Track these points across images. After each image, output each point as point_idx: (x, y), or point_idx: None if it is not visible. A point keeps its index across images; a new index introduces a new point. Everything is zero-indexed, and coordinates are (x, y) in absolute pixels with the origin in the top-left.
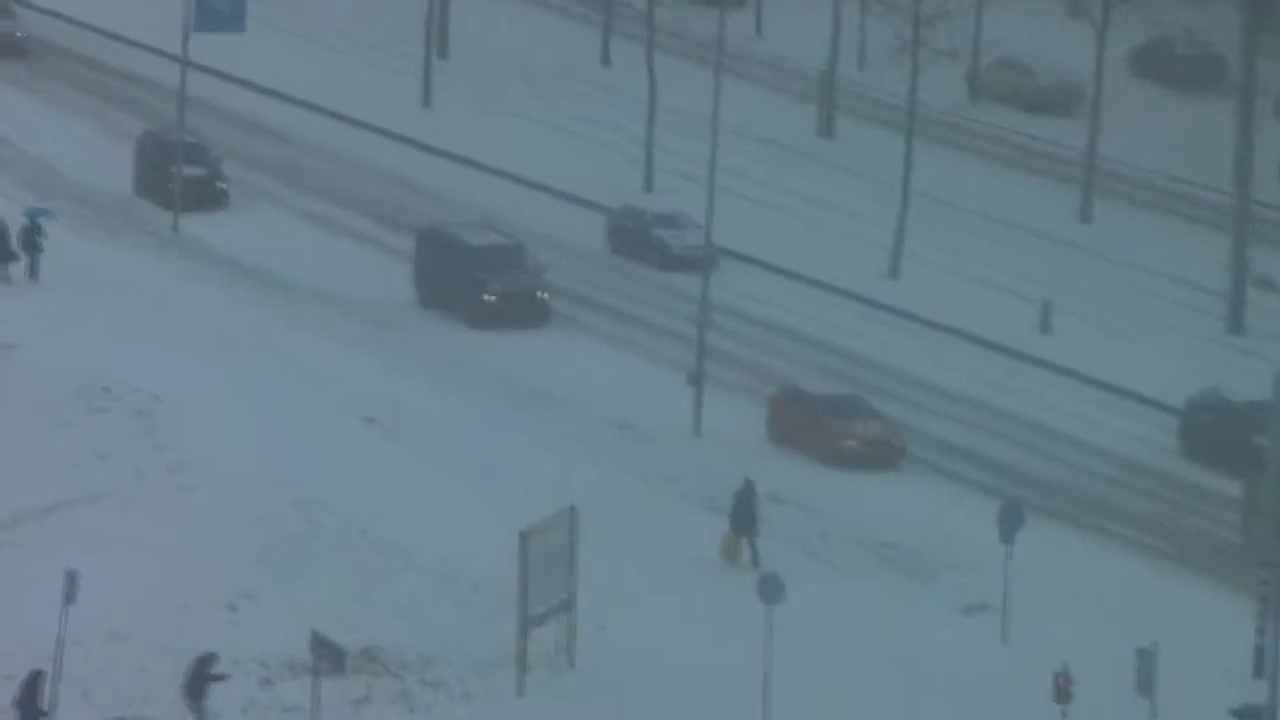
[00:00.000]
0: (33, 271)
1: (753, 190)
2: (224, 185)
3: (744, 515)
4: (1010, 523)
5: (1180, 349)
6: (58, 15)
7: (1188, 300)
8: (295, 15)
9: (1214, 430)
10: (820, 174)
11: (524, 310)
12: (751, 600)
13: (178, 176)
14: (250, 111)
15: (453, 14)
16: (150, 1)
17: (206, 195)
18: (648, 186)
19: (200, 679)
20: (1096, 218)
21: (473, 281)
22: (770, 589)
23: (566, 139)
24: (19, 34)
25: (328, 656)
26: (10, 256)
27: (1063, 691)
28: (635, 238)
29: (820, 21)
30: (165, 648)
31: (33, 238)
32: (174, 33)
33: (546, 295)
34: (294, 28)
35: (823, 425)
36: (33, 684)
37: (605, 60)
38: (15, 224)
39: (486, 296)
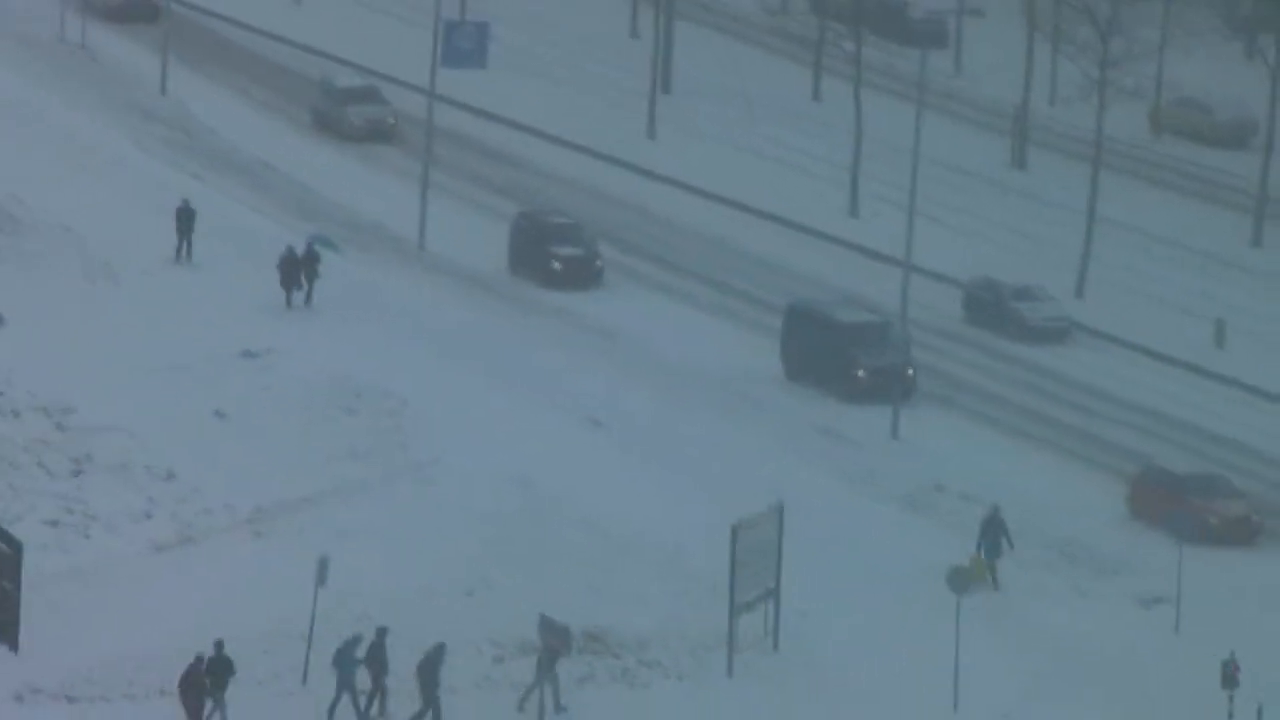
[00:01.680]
0: (308, 297)
1: (949, 216)
2: (600, 264)
3: (992, 540)
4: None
5: None
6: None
7: None
8: (526, 54)
9: None
10: (1013, 202)
11: (892, 385)
12: (946, 595)
13: (549, 255)
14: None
15: (676, 52)
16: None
17: (584, 274)
18: (853, 212)
19: (432, 666)
20: (1267, 243)
21: (844, 357)
22: (957, 580)
23: (781, 167)
24: (390, 120)
25: (555, 638)
26: (296, 284)
27: (1231, 678)
28: (992, 310)
29: (1014, 60)
30: (409, 627)
31: (312, 265)
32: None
33: (913, 371)
34: (526, 65)
35: (1186, 504)
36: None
37: (816, 96)
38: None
39: (858, 372)
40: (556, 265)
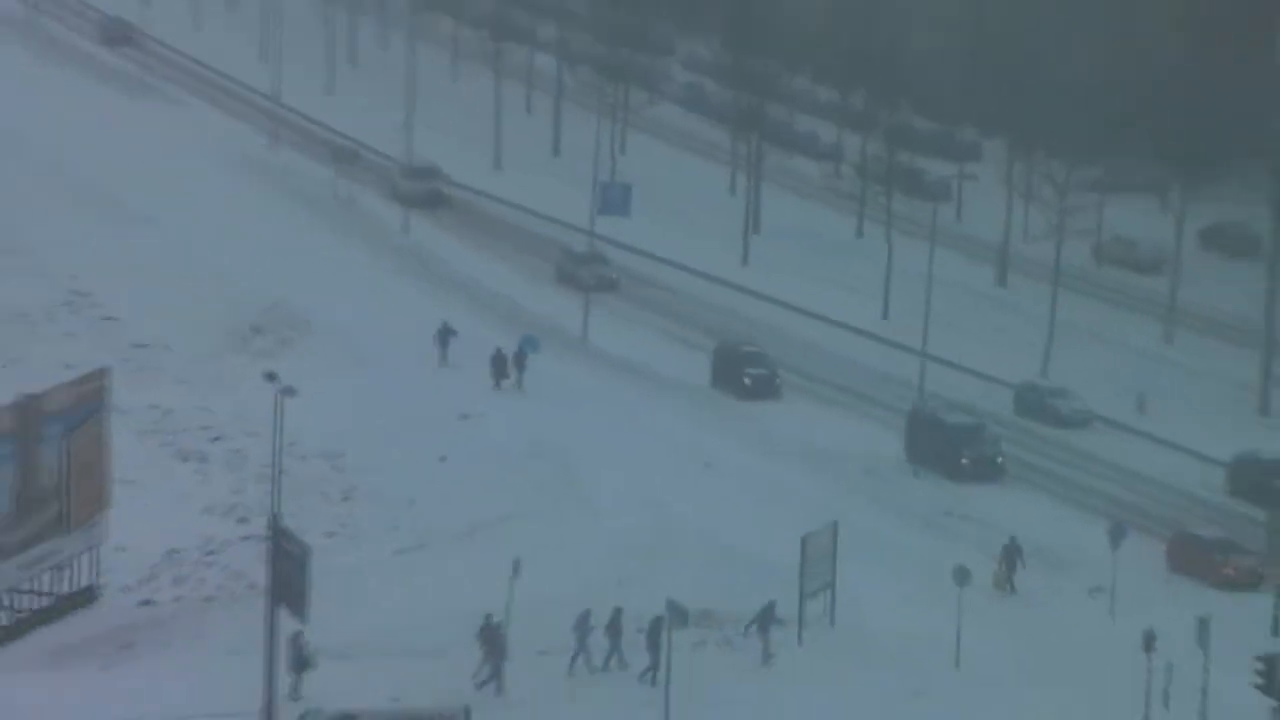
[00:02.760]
0: (519, 383)
1: (955, 319)
2: (780, 382)
3: (1011, 557)
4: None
5: None
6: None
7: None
8: (657, 205)
9: None
10: (998, 312)
11: (987, 470)
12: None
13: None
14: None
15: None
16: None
17: (767, 388)
18: (885, 315)
19: (614, 627)
20: (1178, 343)
21: (951, 449)
22: (960, 574)
23: (836, 287)
24: (614, 275)
25: (677, 616)
26: (504, 374)
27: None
28: (1035, 405)
29: (999, 211)
30: (577, 607)
31: (522, 360)
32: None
33: (1002, 459)
34: (657, 213)
35: (1209, 560)
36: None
37: (859, 234)
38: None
39: (962, 460)
40: (748, 381)
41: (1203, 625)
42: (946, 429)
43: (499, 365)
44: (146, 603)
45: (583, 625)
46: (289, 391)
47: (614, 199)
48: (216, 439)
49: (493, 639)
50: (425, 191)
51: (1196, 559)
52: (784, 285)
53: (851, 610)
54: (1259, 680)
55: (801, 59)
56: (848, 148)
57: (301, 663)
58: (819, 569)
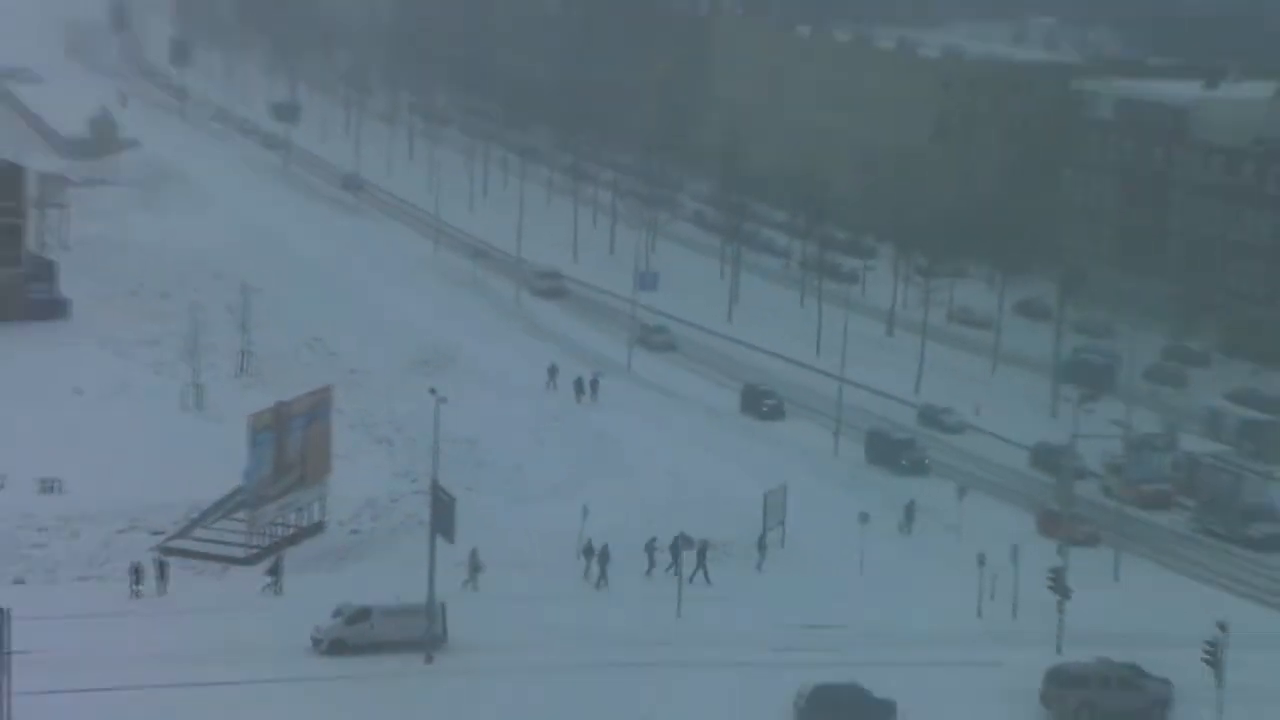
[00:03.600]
0: (594, 397)
1: (857, 359)
2: (784, 409)
3: (911, 512)
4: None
5: None
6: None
7: None
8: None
9: None
10: (887, 353)
11: (918, 468)
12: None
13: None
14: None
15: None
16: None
17: (777, 413)
18: (817, 352)
19: (649, 548)
20: (998, 372)
21: (894, 454)
22: (862, 517)
23: (786, 336)
24: (672, 340)
25: (685, 542)
26: (582, 393)
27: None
28: (931, 418)
29: (889, 289)
30: (636, 538)
31: (595, 385)
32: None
33: (928, 461)
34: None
35: (1061, 525)
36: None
37: (801, 303)
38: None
39: (902, 462)
40: (764, 408)
41: (1014, 550)
42: (892, 441)
43: (579, 387)
44: (355, 532)
45: (650, 546)
46: (443, 400)
47: (647, 280)
48: (398, 430)
49: (600, 555)
50: (552, 287)
51: (1054, 525)
52: (753, 335)
53: (800, 537)
54: (1050, 584)
55: (764, 192)
56: (794, 249)
57: (476, 567)
58: (776, 513)
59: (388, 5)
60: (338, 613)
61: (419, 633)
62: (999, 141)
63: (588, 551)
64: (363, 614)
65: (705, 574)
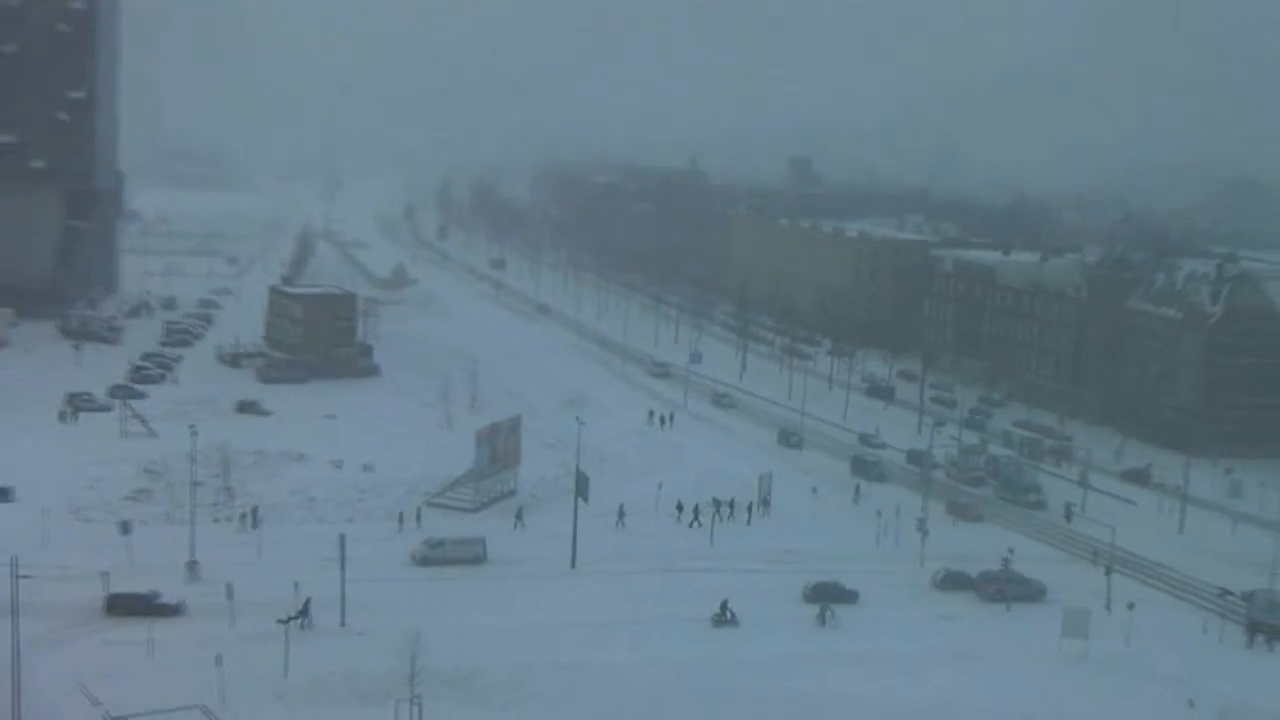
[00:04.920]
0: (669, 426)
1: (812, 403)
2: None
3: (859, 489)
4: None
5: None
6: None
7: None
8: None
9: None
10: (830, 399)
11: (882, 477)
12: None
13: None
14: None
15: None
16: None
17: (799, 443)
18: (788, 398)
19: (694, 509)
20: (886, 413)
21: (868, 470)
22: (812, 490)
23: (774, 390)
24: (732, 399)
25: (712, 504)
26: (663, 423)
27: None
28: (866, 440)
29: (827, 364)
30: (677, 499)
31: (672, 419)
32: None
33: (885, 475)
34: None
35: (962, 508)
36: None
37: (780, 372)
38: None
39: (871, 474)
40: (792, 440)
41: (897, 509)
42: (867, 463)
43: (661, 420)
44: (533, 496)
45: (682, 506)
46: (582, 423)
47: (695, 357)
48: (557, 440)
49: (693, 508)
50: (663, 372)
51: (957, 510)
52: (753, 388)
53: (780, 504)
54: (917, 527)
55: (760, 309)
56: (775, 340)
57: (519, 516)
58: (764, 487)
59: (556, 202)
60: (427, 542)
61: (472, 553)
62: (889, 282)
63: (679, 507)
64: (439, 542)
65: (717, 520)
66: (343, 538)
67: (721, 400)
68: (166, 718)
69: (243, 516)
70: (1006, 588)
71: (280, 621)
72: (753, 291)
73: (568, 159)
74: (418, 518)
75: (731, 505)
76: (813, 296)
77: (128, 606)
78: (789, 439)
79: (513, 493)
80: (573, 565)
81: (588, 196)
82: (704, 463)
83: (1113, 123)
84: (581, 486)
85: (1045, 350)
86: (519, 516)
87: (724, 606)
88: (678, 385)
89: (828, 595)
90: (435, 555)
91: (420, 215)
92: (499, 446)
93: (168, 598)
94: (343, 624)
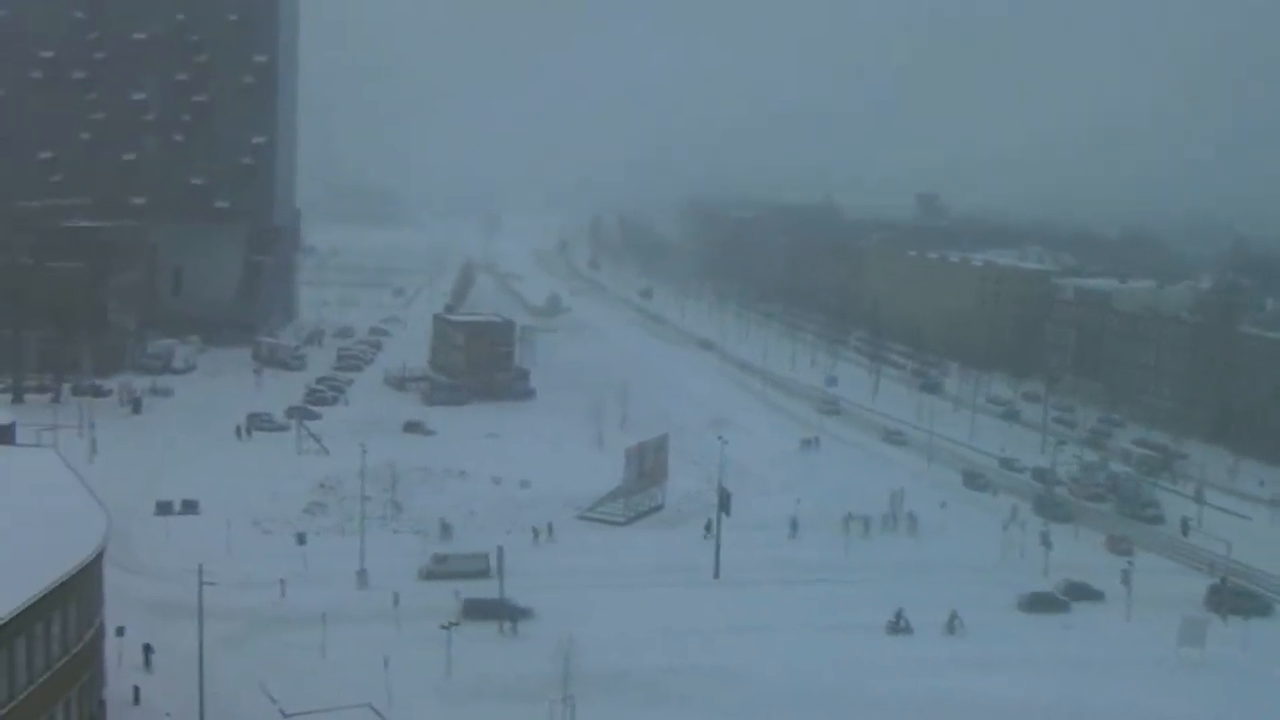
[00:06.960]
0: (816, 447)
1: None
2: (993, 487)
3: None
4: None
5: None
6: None
7: None
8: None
9: None
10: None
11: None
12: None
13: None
14: None
15: None
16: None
17: (987, 486)
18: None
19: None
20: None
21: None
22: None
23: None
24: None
25: (855, 517)
26: (807, 444)
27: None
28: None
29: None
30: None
31: (817, 441)
32: None
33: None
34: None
35: None
36: None
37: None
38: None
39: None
40: (982, 485)
41: (1009, 519)
42: (975, 475)
43: (806, 443)
44: (680, 510)
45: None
46: (725, 443)
47: (830, 380)
48: (702, 457)
49: (723, 499)
50: (832, 409)
51: (1113, 543)
52: (885, 409)
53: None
54: (1041, 541)
55: (891, 335)
56: (905, 364)
57: (544, 530)
58: (897, 502)
59: (700, 237)
60: (434, 557)
61: (475, 567)
62: (1012, 309)
63: (793, 524)
64: (444, 558)
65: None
66: (500, 549)
67: (893, 437)
68: (336, 715)
69: (442, 527)
70: (1234, 601)
71: (443, 627)
72: (883, 320)
73: (710, 195)
74: (550, 531)
75: (848, 521)
76: (940, 324)
77: (482, 610)
78: (974, 481)
79: (660, 507)
80: (716, 576)
81: (729, 231)
82: (839, 480)
83: (1223, 153)
84: (724, 502)
85: (1161, 372)
86: (708, 528)
87: (898, 614)
88: (848, 421)
89: (1043, 604)
90: (440, 570)
91: (573, 249)
92: (647, 464)
93: (517, 601)
94: (501, 629)
